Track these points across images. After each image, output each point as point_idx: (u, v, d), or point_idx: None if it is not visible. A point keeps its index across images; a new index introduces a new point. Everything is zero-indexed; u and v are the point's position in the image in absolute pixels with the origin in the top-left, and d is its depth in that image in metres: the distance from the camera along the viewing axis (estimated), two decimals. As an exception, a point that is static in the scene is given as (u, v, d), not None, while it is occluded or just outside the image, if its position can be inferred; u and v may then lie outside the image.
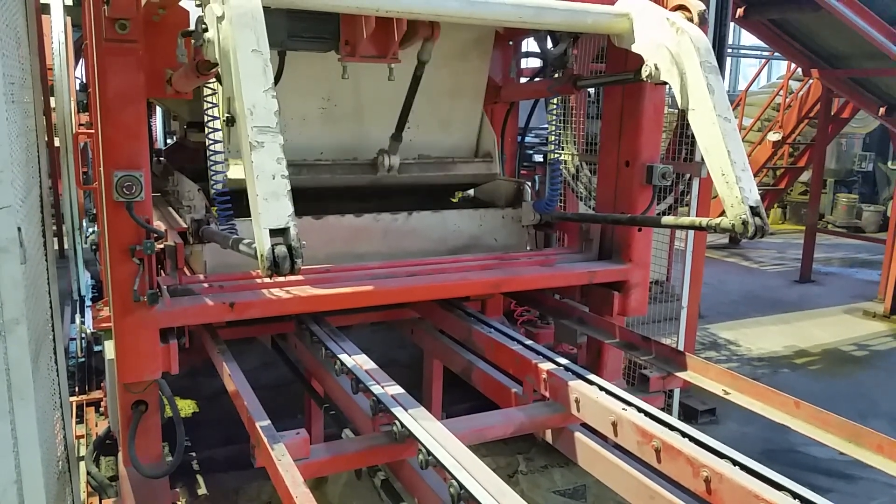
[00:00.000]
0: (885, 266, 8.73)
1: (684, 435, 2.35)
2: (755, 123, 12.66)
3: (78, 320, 5.97)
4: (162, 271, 2.75)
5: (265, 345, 3.83)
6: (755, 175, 10.42)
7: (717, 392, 2.71)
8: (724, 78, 2.84)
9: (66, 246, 7.35)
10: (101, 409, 4.64)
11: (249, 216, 1.92)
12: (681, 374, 2.87)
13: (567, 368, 2.92)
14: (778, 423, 2.46)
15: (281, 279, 2.85)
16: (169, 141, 7.49)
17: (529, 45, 4.58)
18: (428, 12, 2.54)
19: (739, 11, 7.26)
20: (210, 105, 2.97)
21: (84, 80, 7.55)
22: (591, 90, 5.70)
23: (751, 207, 2.39)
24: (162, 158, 5.16)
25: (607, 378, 2.91)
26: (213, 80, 2.67)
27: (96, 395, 4.89)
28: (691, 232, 5.06)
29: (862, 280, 10.45)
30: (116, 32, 2.34)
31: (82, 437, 4.31)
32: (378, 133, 3.66)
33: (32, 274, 2.21)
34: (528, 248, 4.01)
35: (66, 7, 6.41)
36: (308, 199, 3.36)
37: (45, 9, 6.30)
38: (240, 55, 1.96)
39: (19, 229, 1.76)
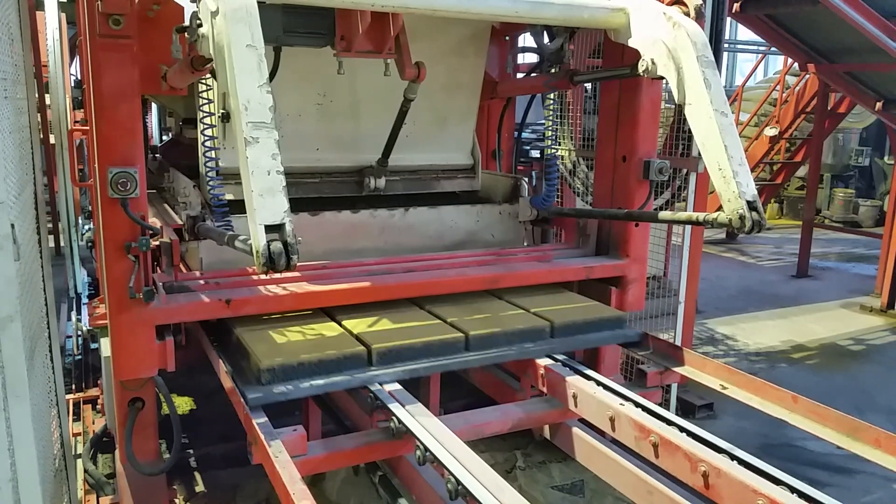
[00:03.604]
0: (882, 261, 8.74)
1: (682, 430, 2.36)
2: (752, 118, 12.66)
3: (74, 318, 5.96)
4: (158, 268, 2.75)
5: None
6: (752, 170, 10.43)
7: (714, 387, 2.71)
8: (720, 73, 2.84)
9: (62, 243, 7.34)
10: (98, 407, 4.63)
11: (245, 213, 1.91)
12: (678, 370, 2.87)
13: (564, 364, 2.93)
14: (775, 417, 2.46)
15: (277, 275, 2.85)
16: (165, 137, 7.47)
17: (526, 40, 4.57)
18: (424, 7, 2.53)
19: (736, 6, 7.25)
20: (205, 101, 2.96)
21: (79, 77, 7.52)
22: (588, 85, 5.69)
23: (748, 202, 2.38)
24: (157, 155, 5.15)
25: (605, 373, 2.91)
26: (208, 75, 2.66)
27: (93, 392, 4.87)
28: (688, 227, 5.06)
29: (859, 275, 10.46)
30: (110, 28, 2.33)
31: (79, 434, 4.30)
32: (374, 128, 3.65)
33: (27, 271, 2.20)
34: (525, 243, 4.01)
35: (60, 3, 6.39)
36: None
37: (40, 5, 6.28)
38: (234, 50, 1.95)
39: (13, 226, 1.75)
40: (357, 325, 2.84)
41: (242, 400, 2.33)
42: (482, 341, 2.81)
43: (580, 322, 3.07)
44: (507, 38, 4.51)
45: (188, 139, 4.37)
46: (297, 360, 2.46)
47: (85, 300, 6.35)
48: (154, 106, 6.95)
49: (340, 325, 2.86)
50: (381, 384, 2.54)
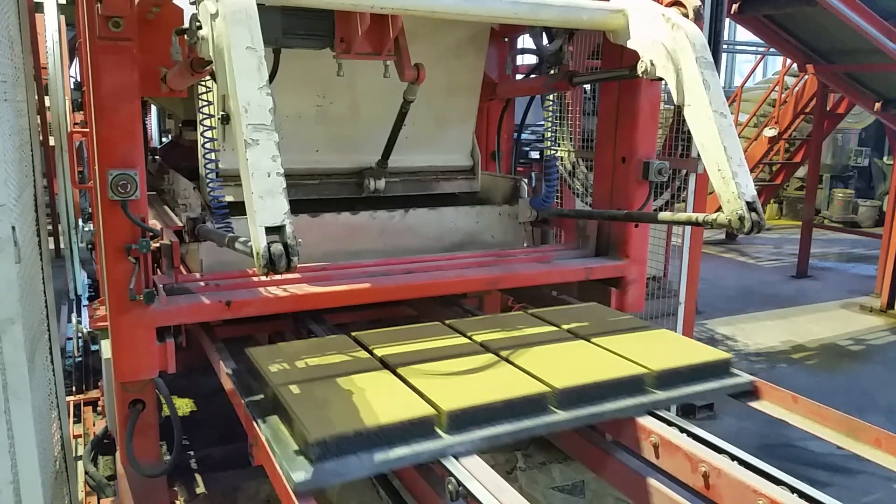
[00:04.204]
0: (882, 261, 8.75)
1: (682, 430, 2.36)
2: (751, 119, 12.68)
3: (74, 320, 5.97)
4: (158, 270, 2.75)
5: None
6: (751, 171, 10.46)
7: (714, 387, 2.71)
8: (719, 74, 2.84)
9: (62, 245, 7.34)
10: (99, 409, 4.63)
11: (245, 214, 1.92)
12: (678, 370, 2.86)
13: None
14: (775, 417, 2.46)
15: (277, 277, 2.85)
16: (164, 139, 7.48)
17: (525, 41, 4.58)
18: (423, 9, 2.53)
19: (734, 7, 7.27)
20: (204, 103, 2.97)
21: (78, 79, 7.53)
22: (588, 86, 5.70)
23: (747, 203, 2.39)
24: (157, 157, 5.16)
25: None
26: (208, 77, 2.66)
27: (94, 394, 4.88)
28: (688, 228, 5.07)
29: (858, 275, 10.47)
30: (110, 30, 2.33)
31: (80, 436, 4.30)
32: (374, 130, 3.65)
33: (27, 273, 2.21)
34: (525, 244, 4.01)
35: (59, 5, 6.40)
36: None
37: (39, 7, 6.28)
38: (234, 52, 1.95)
39: (13, 228, 1.76)
40: (413, 372, 2.40)
41: (289, 487, 1.93)
42: (572, 396, 2.32)
43: (685, 369, 2.55)
44: (507, 39, 4.51)
45: (188, 141, 4.37)
46: (354, 430, 1.99)
47: (85, 302, 6.36)
48: (153, 108, 6.96)
49: (394, 371, 2.43)
50: (456, 457, 2.06)
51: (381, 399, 2.18)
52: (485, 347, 2.69)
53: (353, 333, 2.78)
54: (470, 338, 2.79)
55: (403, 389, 2.28)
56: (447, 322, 2.96)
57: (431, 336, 2.81)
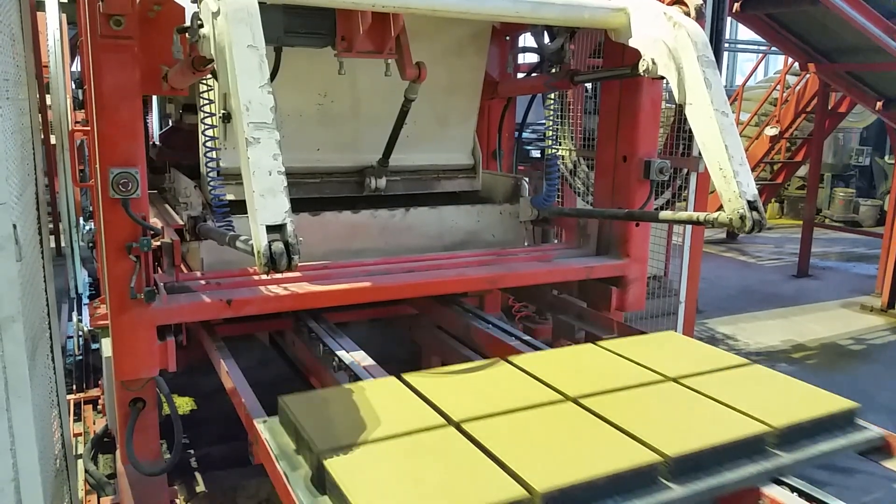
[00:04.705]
0: (883, 260, 8.75)
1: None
2: (752, 118, 12.67)
3: (75, 318, 5.97)
4: (159, 268, 2.75)
5: (263, 342, 3.83)
6: (753, 170, 10.45)
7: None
8: (721, 72, 2.83)
9: (63, 244, 7.34)
10: (99, 407, 4.64)
11: (246, 213, 1.92)
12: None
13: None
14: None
15: (278, 276, 2.85)
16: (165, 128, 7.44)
17: (526, 40, 4.58)
18: (425, 7, 2.53)
19: (736, 6, 7.27)
20: (206, 101, 2.96)
21: (80, 77, 7.52)
22: (589, 85, 5.70)
23: (748, 202, 2.38)
24: (157, 143, 5.17)
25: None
26: (209, 76, 2.66)
27: (94, 392, 4.89)
28: (689, 227, 5.07)
29: (859, 274, 10.47)
30: (111, 29, 2.33)
31: (80, 434, 4.31)
32: (375, 128, 3.65)
33: (28, 272, 2.21)
34: (526, 243, 4.01)
35: (61, 4, 6.40)
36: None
37: (40, 6, 6.29)
38: (235, 51, 1.95)
39: (14, 226, 1.75)
40: (484, 431, 2.01)
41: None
42: (686, 465, 1.92)
43: (808, 424, 2.17)
44: (508, 38, 4.51)
45: (188, 125, 4.38)
46: None
47: (86, 300, 6.36)
48: (154, 98, 6.93)
49: (460, 428, 2.05)
50: None
51: (453, 473, 1.78)
52: (562, 395, 2.30)
53: (403, 375, 2.44)
54: (541, 381, 2.41)
55: (479, 458, 1.87)
56: (509, 359, 2.63)
57: (493, 378, 2.45)
